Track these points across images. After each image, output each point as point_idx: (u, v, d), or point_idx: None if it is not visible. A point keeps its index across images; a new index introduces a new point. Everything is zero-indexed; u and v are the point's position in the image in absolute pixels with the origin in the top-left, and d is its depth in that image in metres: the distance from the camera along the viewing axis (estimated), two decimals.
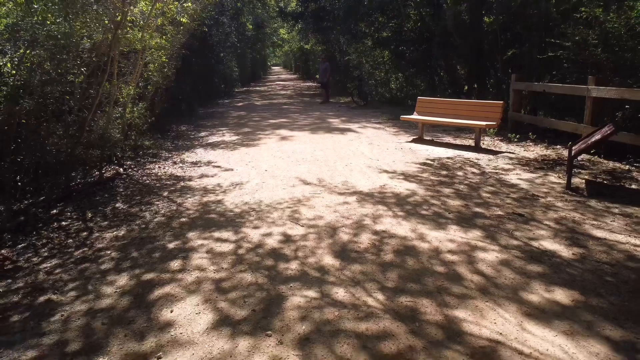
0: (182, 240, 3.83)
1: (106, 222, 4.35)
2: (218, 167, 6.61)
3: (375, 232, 3.90)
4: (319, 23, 20.03)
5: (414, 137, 8.80)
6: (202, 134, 9.84)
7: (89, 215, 4.56)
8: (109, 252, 3.65)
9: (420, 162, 6.67)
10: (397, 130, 9.89)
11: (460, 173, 6.02)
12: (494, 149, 7.69)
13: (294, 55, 37.39)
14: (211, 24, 13.83)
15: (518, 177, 5.77)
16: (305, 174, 6.01)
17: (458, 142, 8.46)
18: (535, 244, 3.62)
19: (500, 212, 4.38)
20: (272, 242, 3.75)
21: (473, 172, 6.06)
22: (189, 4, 8.72)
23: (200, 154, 7.60)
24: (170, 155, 7.46)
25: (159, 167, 6.64)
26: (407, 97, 16.41)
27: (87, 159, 5.97)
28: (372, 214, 4.38)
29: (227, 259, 3.44)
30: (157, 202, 4.91)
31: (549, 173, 5.91)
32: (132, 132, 7.26)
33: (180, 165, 6.78)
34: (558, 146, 7.63)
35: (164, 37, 8.97)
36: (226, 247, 3.66)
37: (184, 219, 4.38)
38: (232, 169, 6.42)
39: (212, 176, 6.06)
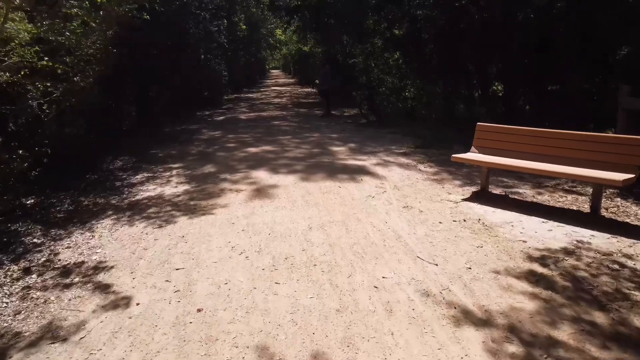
0: None
1: None
2: (105, 287, 3.15)
3: None
4: (318, 19, 16.67)
5: (475, 190, 5.36)
6: (137, 177, 6.35)
7: None
8: None
9: (523, 270, 3.24)
10: (436, 171, 6.43)
11: (633, 318, 2.60)
12: (628, 221, 4.29)
13: (293, 58, 34.03)
14: (169, 16, 10.54)
15: None
16: (287, 330, 2.58)
17: (549, 199, 5.02)
18: None
19: None
20: None
21: None
22: None
23: (98, 237, 4.13)
24: (40, 242, 4.01)
25: None
26: (431, 112, 13.05)
27: None
28: None
29: None
30: None
31: None
32: None
33: (35, 277, 3.33)
34: None
35: (73, 25, 5.64)
36: None
37: None
38: (129, 298, 2.97)
39: (64, 340, 2.60)
